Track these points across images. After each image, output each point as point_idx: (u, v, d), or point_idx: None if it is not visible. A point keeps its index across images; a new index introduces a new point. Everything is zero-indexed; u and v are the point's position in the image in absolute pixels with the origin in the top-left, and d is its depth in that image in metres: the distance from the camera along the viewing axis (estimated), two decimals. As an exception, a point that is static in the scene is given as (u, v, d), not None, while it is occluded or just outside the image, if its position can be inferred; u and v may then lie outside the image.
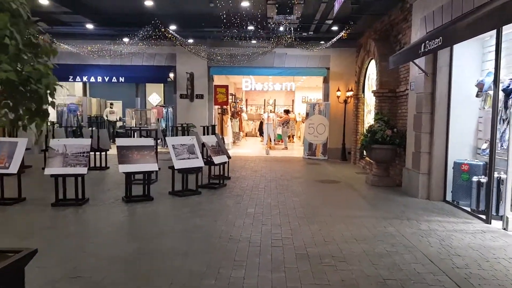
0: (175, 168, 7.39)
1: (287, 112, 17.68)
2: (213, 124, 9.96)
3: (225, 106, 15.78)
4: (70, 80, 14.14)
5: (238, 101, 20.67)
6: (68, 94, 15.87)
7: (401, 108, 9.41)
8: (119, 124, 18.66)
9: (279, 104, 24.46)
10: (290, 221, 5.80)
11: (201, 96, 14.19)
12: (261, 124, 20.83)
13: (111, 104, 20.14)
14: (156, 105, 16.41)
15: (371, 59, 11.30)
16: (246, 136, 23.00)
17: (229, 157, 9.44)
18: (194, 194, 7.63)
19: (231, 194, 7.74)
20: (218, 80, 15.79)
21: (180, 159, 7.49)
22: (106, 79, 14.09)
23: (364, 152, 9.25)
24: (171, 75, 14.56)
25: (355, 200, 7.46)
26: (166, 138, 7.61)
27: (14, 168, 6.74)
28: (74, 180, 6.75)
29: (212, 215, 6.15)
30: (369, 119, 11.41)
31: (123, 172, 6.93)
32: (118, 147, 7.03)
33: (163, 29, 11.90)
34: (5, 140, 7.06)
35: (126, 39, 13.34)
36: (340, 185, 9.00)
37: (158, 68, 14.34)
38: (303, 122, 18.13)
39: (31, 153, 11.21)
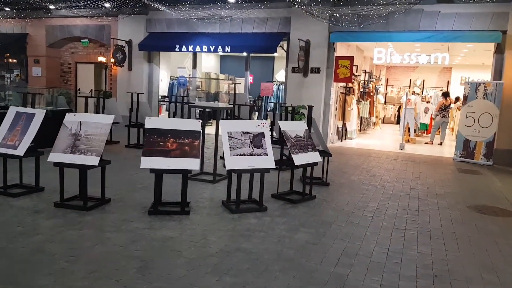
0: (226, 167, 4.79)
1: (445, 95, 12.99)
2: (310, 105, 6.93)
3: (349, 84, 12.42)
4: (176, 49, 12.70)
5: (374, 80, 16.80)
6: (179, 66, 14.69)
7: None
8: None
9: (429, 86, 19.52)
10: (394, 327, 2.63)
11: (317, 70, 11.16)
12: (400, 109, 16.69)
13: (231, 79, 18.69)
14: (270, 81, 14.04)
15: None
16: (382, 123, 19.00)
17: (328, 155, 6.40)
18: (255, 210, 4.94)
19: (313, 219, 4.77)
20: (347, 50, 12.47)
21: (236, 155, 4.85)
22: (212, 49, 12.22)
23: None
24: (284, 45, 11.89)
25: (554, 269, 3.69)
26: (220, 121, 5.03)
27: (21, 150, 5.11)
28: (79, 173, 4.77)
29: (250, 269, 3.37)
30: None
31: (150, 170, 4.64)
32: (146, 130, 4.77)
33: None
34: (23, 110, 5.50)
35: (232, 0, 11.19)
36: (518, 222, 5.11)
37: (268, 35, 11.81)
38: (459, 110, 13.45)
39: (121, 127, 10.09)
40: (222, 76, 19.00)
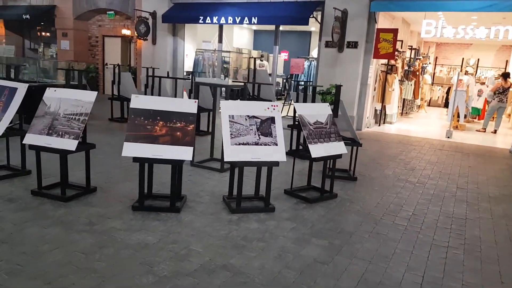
0: (225, 160, 3.93)
1: (505, 76, 11.21)
2: (338, 84, 5.87)
3: (392, 62, 11.05)
4: (200, 21, 11.82)
5: (421, 57, 15.16)
6: (204, 40, 13.81)
7: None
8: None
9: (484, 66, 17.51)
10: None
11: (354, 45, 9.89)
12: (449, 91, 15.02)
13: (262, 56, 17.64)
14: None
15: None
16: (428, 105, 17.35)
17: (357, 144, 5.37)
18: (260, 210, 4.08)
19: (330, 226, 3.84)
20: (391, 23, 11.07)
21: (237, 144, 3.97)
22: (238, 20, 11.23)
23: None
24: (319, 16, 10.67)
25: None
26: (221, 102, 4.14)
27: (1, 127, 4.51)
28: (60, 157, 4.11)
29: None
30: None
31: (133, 158, 3.87)
32: (131, 111, 3.99)
33: None
34: (5, 84, 4.88)
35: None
36: None
37: (300, 4, 10.62)
38: (519, 93, 11.73)
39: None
40: (254, 53, 17.99)
